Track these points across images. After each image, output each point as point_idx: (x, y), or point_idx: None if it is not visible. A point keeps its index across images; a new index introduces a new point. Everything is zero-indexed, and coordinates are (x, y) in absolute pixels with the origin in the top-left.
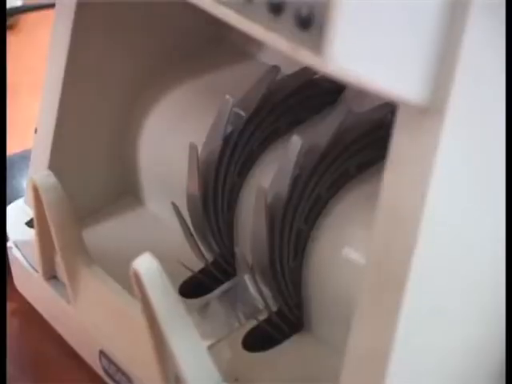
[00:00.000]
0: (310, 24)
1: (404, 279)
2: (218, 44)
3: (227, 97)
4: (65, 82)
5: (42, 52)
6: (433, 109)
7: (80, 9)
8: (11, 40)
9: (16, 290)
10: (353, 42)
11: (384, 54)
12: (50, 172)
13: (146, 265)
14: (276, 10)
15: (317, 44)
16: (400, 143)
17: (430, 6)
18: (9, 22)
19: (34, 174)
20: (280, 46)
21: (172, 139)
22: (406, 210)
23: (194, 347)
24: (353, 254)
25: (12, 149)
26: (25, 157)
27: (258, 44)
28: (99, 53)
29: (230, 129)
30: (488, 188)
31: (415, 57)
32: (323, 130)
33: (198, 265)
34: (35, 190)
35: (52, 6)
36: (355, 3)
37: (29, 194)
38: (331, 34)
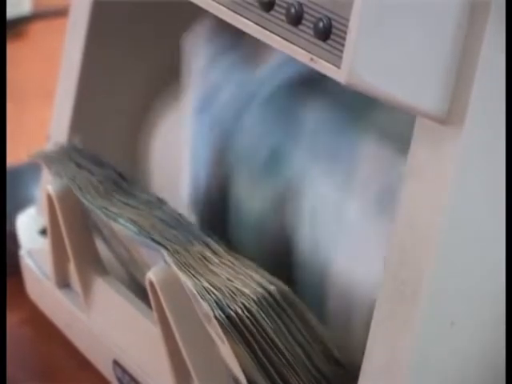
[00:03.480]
0: (329, 35)
1: (420, 291)
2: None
3: None
4: (78, 90)
5: (50, 60)
6: (451, 120)
7: (94, 17)
8: (20, 48)
9: (28, 299)
10: (372, 55)
11: (403, 66)
12: (64, 180)
13: (161, 274)
14: (295, 20)
15: (336, 55)
16: (418, 155)
17: (448, 20)
18: (17, 30)
19: (47, 182)
20: (299, 56)
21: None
22: (424, 222)
23: (209, 358)
24: None
25: (20, 157)
26: (35, 165)
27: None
28: (112, 61)
29: None
30: (504, 199)
31: (434, 70)
32: None
33: None
34: (49, 198)
35: (61, 13)
36: (375, 16)
37: (42, 202)
38: (351, 46)
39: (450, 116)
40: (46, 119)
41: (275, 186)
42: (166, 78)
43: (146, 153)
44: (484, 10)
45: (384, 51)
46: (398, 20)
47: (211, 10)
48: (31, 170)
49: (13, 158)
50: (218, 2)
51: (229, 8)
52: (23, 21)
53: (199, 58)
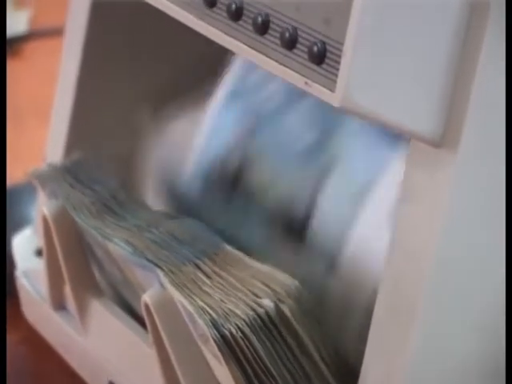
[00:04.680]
0: (323, 59)
1: (415, 310)
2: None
3: None
4: (74, 110)
5: (46, 79)
6: (446, 143)
7: (90, 36)
8: (16, 67)
9: (24, 319)
10: (366, 79)
11: (397, 90)
12: (59, 201)
13: (156, 297)
14: (289, 44)
15: (330, 79)
16: (412, 178)
17: (442, 45)
18: (13, 49)
19: (43, 203)
20: (293, 79)
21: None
22: (419, 246)
23: (204, 380)
24: None
25: (16, 176)
26: (31, 185)
27: None
28: (109, 80)
29: None
30: (500, 221)
31: (428, 93)
32: None
33: None
34: (44, 220)
35: (57, 33)
36: (369, 40)
37: (38, 223)
38: (345, 70)
39: (445, 139)
40: (43, 138)
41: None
42: (162, 99)
43: (142, 173)
44: (479, 34)
45: (378, 75)
46: (392, 44)
47: (203, 32)
48: (27, 189)
49: (8, 178)
50: (210, 25)
51: (222, 31)
52: (19, 40)
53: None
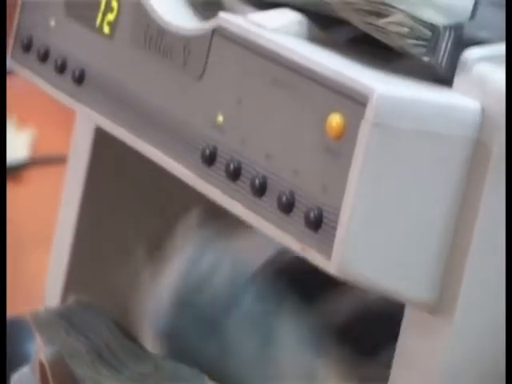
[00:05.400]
0: (319, 225)
1: None
2: None
3: None
4: (73, 251)
5: (46, 206)
6: (441, 310)
7: (92, 170)
8: (16, 193)
9: None
10: (363, 248)
11: (394, 258)
12: (56, 347)
13: None
14: (286, 208)
15: (326, 246)
16: (407, 343)
17: (437, 213)
18: (14, 175)
19: (40, 346)
20: (289, 244)
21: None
22: None
23: None
24: None
25: (18, 307)
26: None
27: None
28: (108, 220)
29: None
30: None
31: (425, 261)
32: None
33: None
34: (42, 365)
35: (57, 161)
36: (366, 210)
37: (34, 366)
38: (341, 238)
39: (441, 306)
40: (43, 265)
41: None
42: (162, 236)
43: (138, 313)
44: (474, 207)
45: (375, 243)
46: (388, 214)
47: (200, 190)
48: (26, 325)
49: (9, 308)
50: (208, 183)
51: (220, 190)
52: (20, 167)
53: (189, 246)
